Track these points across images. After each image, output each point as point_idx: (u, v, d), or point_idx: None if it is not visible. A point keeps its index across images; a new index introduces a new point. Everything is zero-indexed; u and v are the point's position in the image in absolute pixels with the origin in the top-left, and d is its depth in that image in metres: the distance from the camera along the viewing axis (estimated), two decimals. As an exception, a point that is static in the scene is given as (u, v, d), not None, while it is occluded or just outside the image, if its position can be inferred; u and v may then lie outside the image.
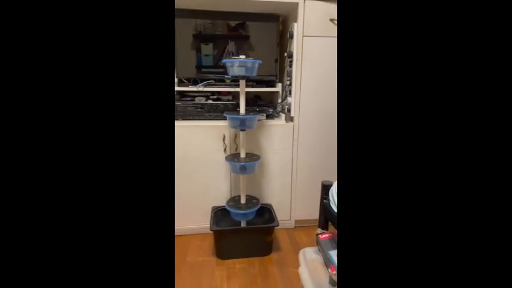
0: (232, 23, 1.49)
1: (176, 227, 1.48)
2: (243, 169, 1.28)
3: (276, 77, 1.59)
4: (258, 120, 1.42)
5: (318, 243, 0.98)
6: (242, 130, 1.28)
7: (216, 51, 1.50)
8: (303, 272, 0.92)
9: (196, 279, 1.20)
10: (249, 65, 1.18)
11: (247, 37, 1.50)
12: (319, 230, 0.99)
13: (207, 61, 1.50)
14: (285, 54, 1.47)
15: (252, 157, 1.33)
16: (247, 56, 1.23)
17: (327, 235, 0.94)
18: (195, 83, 1.49)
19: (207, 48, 1.49)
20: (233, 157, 1.32)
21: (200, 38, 1.47)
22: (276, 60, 1.56)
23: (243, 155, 1.31)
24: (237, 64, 1.17)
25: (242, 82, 1.23)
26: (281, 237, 1.51)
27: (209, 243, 1.44)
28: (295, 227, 1.61)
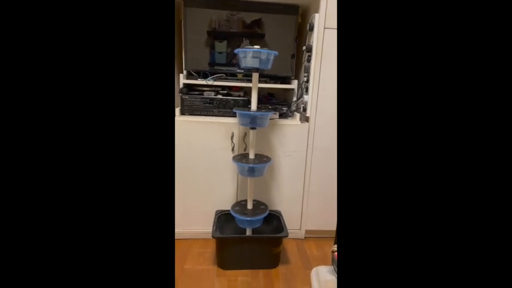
0: (248, 20, 1.39)
1: (176, 230, 1.37)
2: (251, 171, 1.16)
3: (292, 74, 1.47)
4: (270, 119, 1.30)
5: (333, 261, 0.84)
6: (252, 128, 1.16)
7: (229, 49, 1.42)
8: (316, 295, 0.79)
9: (193, 290, 1.08)
10: (264, 56, 1.06)
11: (262, 35, 1.40)
12: (335, 247, 0.85)
13: (220, 59, 1.43)
14: (304, 48, 1.35)
15: (262, 159, 1.20)
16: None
17: (345, 254, 0.81)
18: (204, 76, 1.39)
19: (221, 46, 1.42)
20: (241, 158, 1.20)
21: (214, 35, 1.39)
22: (293, 56, 1.44)
23: (252, 156, 1.19)
24: (250, 54, 1.05)
25: (255, 75, 1.11)
26: (289, 248, 1.38)
27: (210, 250, 1.32)
28: (305, 237, 1.47)
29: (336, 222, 1.44)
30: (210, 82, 1.37)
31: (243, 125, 1.19)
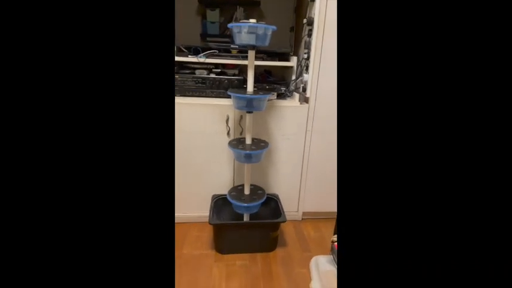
0: (242, -14, 1.25)
1: (173, 215, 1.35)
2: (248, 158, 1.11)
3: (291, 49, 1.36)
4: (268, 100, 1.22)
5: (332, 251, 0.83)
6: (249, 112, 1.08)
7: (222, 19, 1.30)
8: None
9: (191, 276, 1.08)
10: (260, 31, 0.95)
11: (257, 3, 1.26)
12: (335, 237, 0.83)
13: (213, 29, 1.30)
14: (304, 21, 1.23)
15: (259, 144, 1.15)
16: (259, 22, 1.00)
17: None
18: (195, 52, 1.27)
19: (213, 15, 1.28)
20: (237, 143, 1.14)
21: (205, 3, 1.25)
22: (292, 29, 1.32)
23: (248, 141, 1.13)
24: (245, 30, 0.94)
25: (251, 53, 1.01)
26: (287, 230, 1.38)
27: (208, 234, 1.31)
28: (302, 219, 1.47)
29: (333, 204, 1.44)
30: (202, 59, 1.26)
31: (238, 108, 1.12)
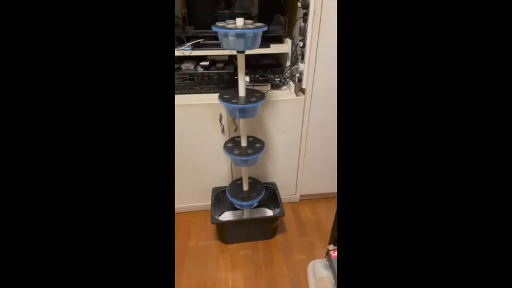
0: None
1: (176, 206, 1.41)
2: (245, 162, 1.10)
3: (284, 30, 1.21)
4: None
5: (328, 258, 0.90)
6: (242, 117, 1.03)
7: None
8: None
9: (200, 268, 1.19)
10: (250, 34, 0.84)
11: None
12: (330, 246, 0.89)
13: None
14: (298, 4, 1.06)
15: (255, 145, 1.12)
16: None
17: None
18: (178, 42, 1.14)
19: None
20: (233, 146, 1.12)
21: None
22: (284, 3, 1.16)
23: (244, 143, 1.11)
24: (232, 34, 0.83)
25: (241, 57, 0.91)
26: (286, 213, 1.44)
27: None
28: (300, 200, 1.54)
29: (328, 186, 1.49)
30: (188, 52, 1.14)
31: (231, 116, 1.06)
